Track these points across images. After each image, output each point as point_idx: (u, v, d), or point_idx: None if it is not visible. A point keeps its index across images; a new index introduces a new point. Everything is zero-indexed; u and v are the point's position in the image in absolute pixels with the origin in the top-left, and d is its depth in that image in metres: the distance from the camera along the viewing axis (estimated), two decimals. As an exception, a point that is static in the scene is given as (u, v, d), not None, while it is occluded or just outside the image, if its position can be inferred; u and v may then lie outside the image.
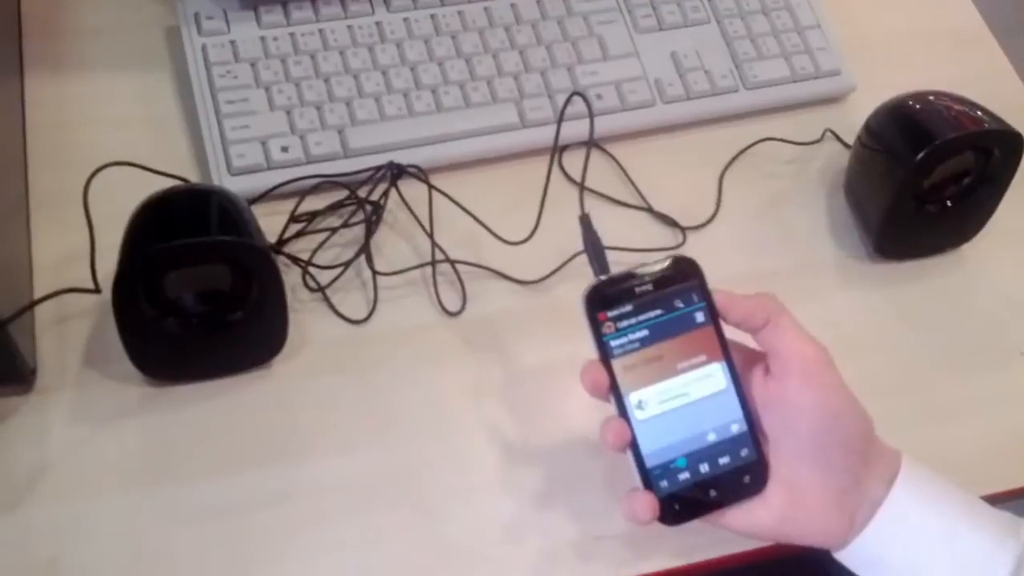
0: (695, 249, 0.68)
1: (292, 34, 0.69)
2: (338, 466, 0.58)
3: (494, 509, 0.57)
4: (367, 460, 0.58)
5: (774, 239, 0.70)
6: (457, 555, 0.56)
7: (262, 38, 0.68)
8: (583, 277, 0.64)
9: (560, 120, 0.60)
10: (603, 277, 0.48)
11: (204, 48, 0.68)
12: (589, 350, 0.48)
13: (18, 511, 0.54)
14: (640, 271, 0.48)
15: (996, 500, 0.61)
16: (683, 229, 0.69)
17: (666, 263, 0.48)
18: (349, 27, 0.70)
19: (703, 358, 0.48)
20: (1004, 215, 0.69)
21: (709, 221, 0.70)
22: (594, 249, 0.51)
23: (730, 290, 0.49)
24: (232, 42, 0.68)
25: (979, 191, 0.67)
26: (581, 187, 0.55)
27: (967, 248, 0.71)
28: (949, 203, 0.68)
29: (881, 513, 0.48)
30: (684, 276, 0.48)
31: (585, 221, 0.52)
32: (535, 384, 0.61)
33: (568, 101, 0.61)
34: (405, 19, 0.71)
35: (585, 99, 0.60)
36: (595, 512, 0.57)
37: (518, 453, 0.59)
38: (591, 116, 0.58)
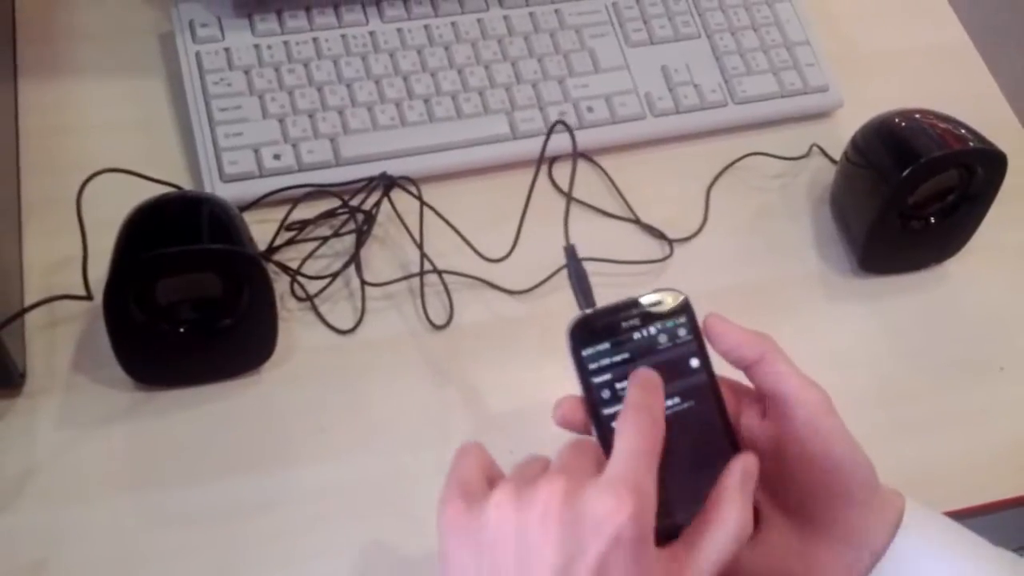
0: (682, 261, 0.69)
1: (286, 42, 0.69)
2: (325, 473, 0.58)
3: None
4: (354, 468, 0.58)
5: (760, 252, 0.70)
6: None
7: (256, 46, 0.69)
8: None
9: (543, 149, 0.61)
10: (589, 311, 0.46)
11: (198, 55, 0.68)
12: (573, 384, 0.45)
13: (6, 514, 0.54)
14: (628, 305, 0.46)
15: (976, 513, 0.62)
16: (670, 241, 0.69)
17: (655, 297, 0.46)
18: (343, 36, 0.70)
19: (691, 396, 0.46)
20: (987, 232, 0.70)
21: (696, 234, 0.70)
22: (579, 281, 0.49)
23: (723, 315, 0.47)
24: (226, 49, 0.68)
25: (962, 208, 0.68)
26: (566, 215, 0.54)
27: (950, 264, 0.72)
28: (933, 220, 0.68)
29: (884, 564, 0.45)
30: (674, 311, 0.46)
31: (570, 252, 0.50)
32: (522, 393, 0.62)
33: (552, 129, 0.61)
34: (399, 29, 0.72)
35: (567, 127, 0.59)
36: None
37: (503, 463, 0.59)
38: (574, 149, 0.58)
